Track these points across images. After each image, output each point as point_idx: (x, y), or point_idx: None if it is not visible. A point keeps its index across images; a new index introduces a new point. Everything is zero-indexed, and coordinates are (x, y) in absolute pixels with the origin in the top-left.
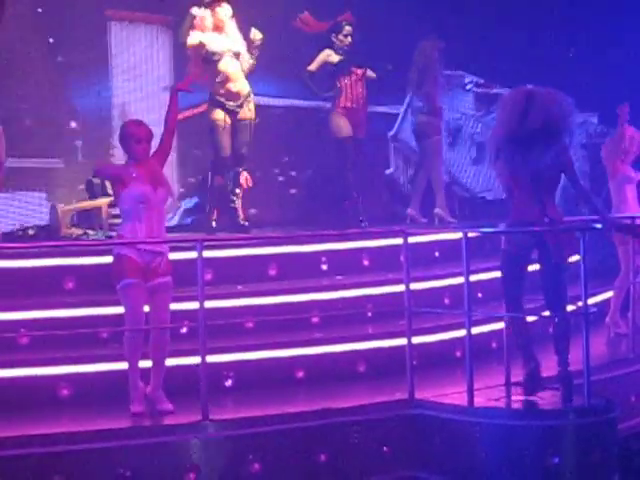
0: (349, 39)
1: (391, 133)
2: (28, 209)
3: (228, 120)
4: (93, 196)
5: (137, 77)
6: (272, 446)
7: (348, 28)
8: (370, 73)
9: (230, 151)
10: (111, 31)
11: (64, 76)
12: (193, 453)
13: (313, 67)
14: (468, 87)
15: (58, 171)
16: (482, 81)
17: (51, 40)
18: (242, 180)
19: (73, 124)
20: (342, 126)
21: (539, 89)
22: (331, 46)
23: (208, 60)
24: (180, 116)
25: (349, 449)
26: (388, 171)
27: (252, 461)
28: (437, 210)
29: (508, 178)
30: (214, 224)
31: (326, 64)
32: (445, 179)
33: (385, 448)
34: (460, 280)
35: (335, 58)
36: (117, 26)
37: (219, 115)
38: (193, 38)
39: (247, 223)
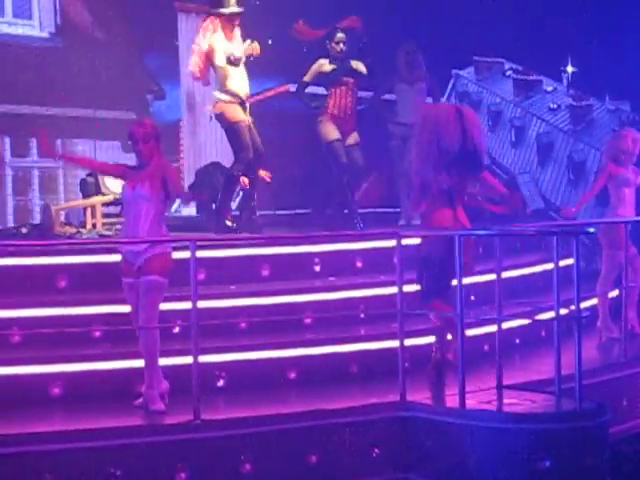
0: (341, 46)
1: None
2: None
3: (248, 120)
4: (87, 195)
5: None
6: (263, 447)
7: (340, 35)
8: (360, 67)
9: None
10: (180, 22)
11: None
12: (184, 453)
13: (308, 78)
14: (507, 73)
15: None
16: (520, 68)
17: None
18: (264, 176)
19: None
20: (330, 131)
21: (464, 108)
22: (327, 54)
23: (230, 62)
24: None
25: (340, 450)
26: None
27: (243, 461)
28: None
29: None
30: (231, 224)
31: (320, 74)
32: (486, 161)
33: (376, 450)
34: (453, 283)
35: (328, 67)
36: (184, 17)
37: (242, 115)
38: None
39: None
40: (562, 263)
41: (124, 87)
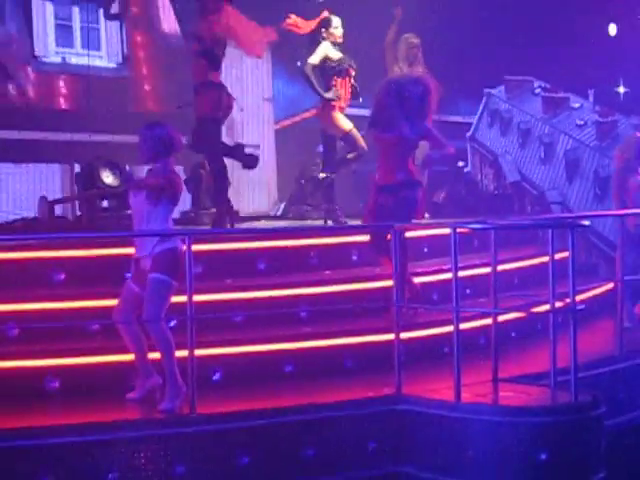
0: (340, 30)
1: (469, 134)
2: None
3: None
4: (83, 188)
5: (243, 90)
6: (260, 440)
7: (337, 19)
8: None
9: None
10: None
11: None
12: (180, 446)
13: (316, 60)
14: (536, 91)
15: None
16: (549, 86)
17: None
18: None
19: None
20: (344, 120)
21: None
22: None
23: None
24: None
25: (337, 444)
26: (466, 169)
27: (240, 455)
28: None
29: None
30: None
31: (326, 60)
32: (516, 177)
33: (372, 443)
34: (449, 276)
35: (334, 54)
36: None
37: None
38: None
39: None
40: (560, 256)
41: (187, 113)
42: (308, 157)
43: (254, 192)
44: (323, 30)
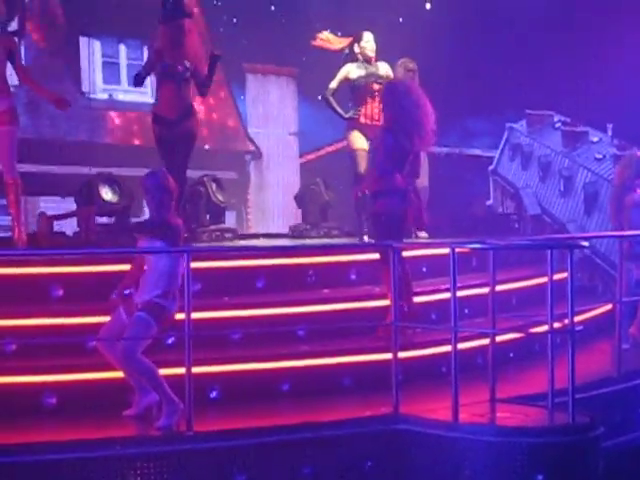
0: (371, 45)
1: (491, 167)
2: None
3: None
4: (83, 204)
5: (269, 123)
6: (256, 458)
7: (368, 34)
8: (390, 73)
9: None
10: (247, 82)
11: None
12: (177, 464)
13: (334, 84)
14: (557, 125)
15: None
16: (569, 120)
17: None
18: None
19: None
20: (356, 139)
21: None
22: (355, 59)
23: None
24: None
25: (334, 463)
26: (488, 202)
27: (236, 473)
28: None
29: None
30: None
31: (347, 80)
32: (537, 210)
33: (369, 462)
34: (447, 295)
35: (354, 74)
36: (252, 78)
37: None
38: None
39: None
40: (560, 276)
41: (229, 149)
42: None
43: (279, 220)
44: (355, 45)
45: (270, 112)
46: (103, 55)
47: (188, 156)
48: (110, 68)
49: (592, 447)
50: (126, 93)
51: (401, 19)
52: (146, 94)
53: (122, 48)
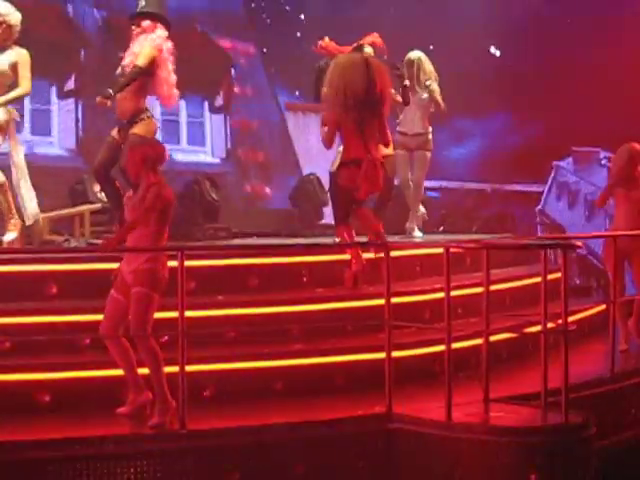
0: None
1: (538, 207)
2: None
3: None
4: (76, 203)
5: (312, 160)
6: (250, 457)
7: (368, 50)
8: (397, 98)
9: None
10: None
11: None
12: (170, 463)
13: None
14: (602, 162)
15: None
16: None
17: None
18: None
19: None
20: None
21: (372, 59)
22: None
23: None
24: None
25: (326, 462)
26: None
27: (229, 471)
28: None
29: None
30: None
31: None
32: (583, 252)
33: (362, 462)
34: (441, 295)
35: None
36: (292, 116)
37: None
38: None
39: None
40: (554, 276)
41: None
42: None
43: None
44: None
45: (311, 149)
46: (163, 113)
47: None
48: (170, 126)
49: (585, 447)
50: (186, 153)
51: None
52: (207, 153)
53: (182, 105)
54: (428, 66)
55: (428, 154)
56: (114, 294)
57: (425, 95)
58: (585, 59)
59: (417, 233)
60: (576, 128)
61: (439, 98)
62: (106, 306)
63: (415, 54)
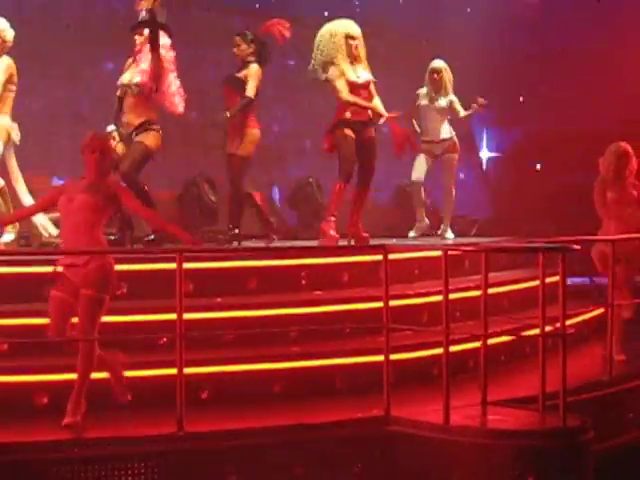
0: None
1: None
2: None
3: None
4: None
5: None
6: (248, 459)
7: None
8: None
9: None
10: None
11: None
12: (168, 465)
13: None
14: None
15: None
16: None
17: None
18: None
19: None
20: None
21: None
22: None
23: None
24: None
25: (324, 464)
26: None
27: (227, 474)
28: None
29: None
30: None
31: None
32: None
33: (359, 464)
34: (439, 298)
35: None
36: None
37: None
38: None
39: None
40: (552, 280)
41: None
42: None
43: None
44: None
45: None
46: None
47: None
48: None
49: (583, 450)
50: None
51: None
52: None
53: None
54: (450, 75)
55: (455, 156)
56: (55, 292)
57: (444, 103)
58: None
59: (449, 235)
60: None
61: (459, 107)
62: (49, 308)
63: (440, 64)
